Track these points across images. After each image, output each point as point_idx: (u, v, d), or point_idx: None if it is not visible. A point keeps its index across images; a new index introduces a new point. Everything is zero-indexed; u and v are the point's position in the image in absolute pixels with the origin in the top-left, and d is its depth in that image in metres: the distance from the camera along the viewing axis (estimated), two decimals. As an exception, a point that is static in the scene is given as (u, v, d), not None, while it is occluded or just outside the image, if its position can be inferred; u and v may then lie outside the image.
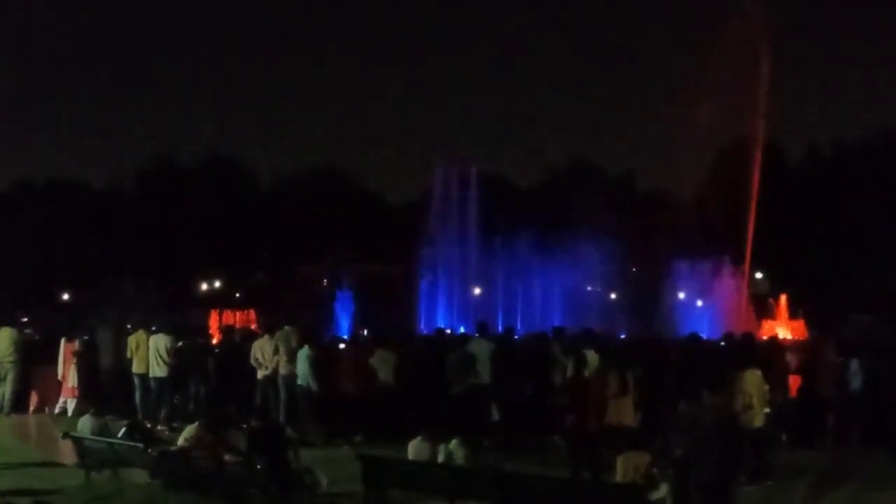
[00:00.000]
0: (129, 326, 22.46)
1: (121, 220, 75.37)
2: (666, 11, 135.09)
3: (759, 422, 14.23)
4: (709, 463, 10.85)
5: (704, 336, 23.21)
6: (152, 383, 19.91)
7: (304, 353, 18.19)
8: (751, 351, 16.40)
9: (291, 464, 12.66)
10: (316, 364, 17.96)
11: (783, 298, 39.04)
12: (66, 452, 15.22)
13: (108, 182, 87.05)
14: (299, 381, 18.13)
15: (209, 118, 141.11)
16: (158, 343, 19.89)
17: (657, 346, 18.65)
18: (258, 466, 12.34)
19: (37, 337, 24.65)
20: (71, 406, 21.10)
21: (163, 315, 31.45)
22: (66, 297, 72.92)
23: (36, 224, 70.02)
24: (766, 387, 14.48)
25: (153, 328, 20.76)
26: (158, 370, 19.82)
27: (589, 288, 47.32)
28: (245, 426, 15.44)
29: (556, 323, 28.77)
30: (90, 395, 20.07)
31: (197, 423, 13.93)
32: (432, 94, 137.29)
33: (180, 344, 20.22)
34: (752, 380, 14.26)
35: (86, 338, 21.82)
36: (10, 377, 21.23)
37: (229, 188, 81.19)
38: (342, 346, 20.78)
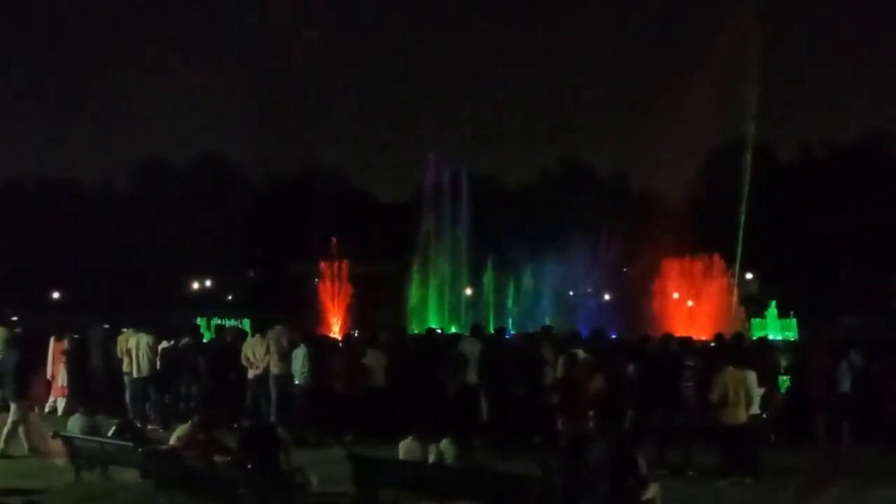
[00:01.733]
0: (124, 330, 22.42)
1: (112, 218, 75.19)
2: (658, 12, 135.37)
3: (740, 418, 14.29)
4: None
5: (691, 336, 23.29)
6: (137, 383, 19.87)
7: (301, 352, 18.19)
8: (738, 350, 16.47)
9: (282, 464, 12.65)
10: (313, 363, 17.98)
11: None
12: (57, 452, 15.19)
13: (100, 181, 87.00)
14: (297, 381, 18.15)
15: (201, 117, 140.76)
16: (140, 342, 19.85)
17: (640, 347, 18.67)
18: (249, 466, 12.33)
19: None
20: (61, 405, 21.07)
21: (152, 314, 31.40)
22: (56, 295, 72.78)
23: (27, 223, 69.84)
24: (757, 387, 14.54)
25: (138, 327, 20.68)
26: (137, 369, 19.77)
27: (581, 288, 47.36)
28: (237, 426, 15.42)
29: (548, 323, 28.75)
30: (80, 393, 20.04)
31: (190, 422, 13.91)
32: (424, 94, 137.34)
33: (171, 343, 20.18)
34: (736, 377, 14.33)
35: (76, 336, 21.77)
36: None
37: (221, 187, 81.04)
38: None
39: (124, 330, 20.75)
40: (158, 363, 19.78)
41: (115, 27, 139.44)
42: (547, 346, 17.65)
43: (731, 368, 14.49)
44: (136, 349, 19.74)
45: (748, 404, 14.42)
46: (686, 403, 16.39)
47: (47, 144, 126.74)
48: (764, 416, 15.11)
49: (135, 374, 19.74)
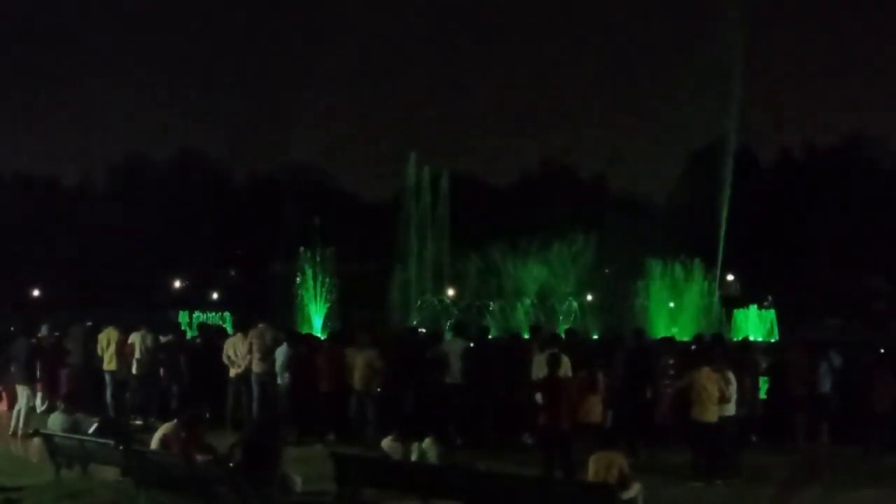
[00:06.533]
0: (89, 324, 22.38)
1: (91, 216, 74.77)
2: (642, 16, 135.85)
3: (711, 417, 14.33)
4: None
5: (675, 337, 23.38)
6: (134, 381, 19.79)
7: (282, 351, 18.14)
8: (718, 350, 16.56)
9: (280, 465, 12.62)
10: (294, 362, 17.93)
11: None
12: (36, 449, 15.12)
13: (79, 178, 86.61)
14: (279, 379, 18.10)
15: (182, 115, 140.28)
16: (146, 340, 19.78)
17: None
18: (231, 465, 12.27)
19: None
20: (38, 400, 20.99)
21: (132, 312, 31.24)
22: (35, 293, 72.37)
23: (5, 219, 69.40)
24: (730, 385, 14.54)
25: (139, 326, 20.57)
26: (138, 367, 19.71)
27: (562, 289, 47.37)
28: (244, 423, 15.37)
29: (529, 324, 28.80)
30: (57, 391, 20.02)
31: (175, 421, 13.84)
32: (406, 93, 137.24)
33: (168, 339, 20.12)
34: (713, 376, 14.39)
35: (56, 333, 21.68)
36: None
37: (202, 185, 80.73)
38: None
39: (105, 328, 20.64)
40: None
41: (96, 25, 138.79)
42: (536, 346, 17.59)
43: (706, 368, 14.53)
44: (138, 347, 19.67)
45: (724, 404, 14.46)
46: (663, 403, 16.52)
47: (26, 141, 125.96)
48: (731, 413, 15.13)
49: (135, 372, 19.67)
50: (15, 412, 18.82)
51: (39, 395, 21.00)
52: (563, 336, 18.92)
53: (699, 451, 14.53)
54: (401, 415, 16.66)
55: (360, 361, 17.43)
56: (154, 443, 13.39)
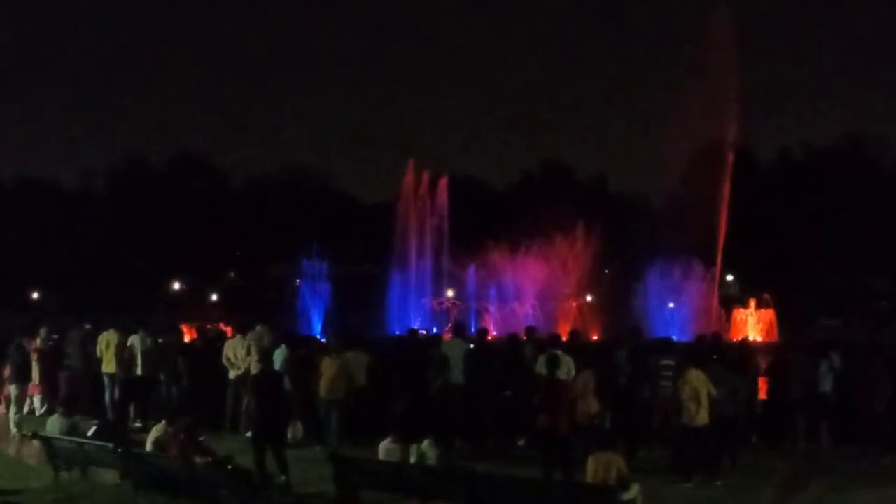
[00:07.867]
0: (87, 327, 22.36)
1: (91, 220, 74.73)
2: (640, 17, 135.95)
3: (701, 420, 14.28)
4: None
5: (675, 337, 23.39)
6: (134, 383, 19.77)
7: (280, 354, 18.11)
8: (715, 351, 16.53)
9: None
10: (291, 364, 17.88)
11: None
12: (35, 452, 15.11)
13: (79, 182, 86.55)
14: None
15: (181, 118, 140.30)
16: (145, 342, 19.76)
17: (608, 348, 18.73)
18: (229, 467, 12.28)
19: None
20: (37, 403, 21.00)
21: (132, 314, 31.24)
22: (35, 296, 72.33)
23: (5, 223, 69.33)
24: (713, 389, 14.48)
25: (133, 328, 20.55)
26: (142, 368, 19.71)
27: (562, 290, 47.35)
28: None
29: (529, 325, 28.73)
30: (56, 394, 20.02)
31: (164, 422, 13.82)
32: (406, 95, 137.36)
33: (161, 341, 20.13)
34: (700, 377, 14.34)
35: (54, 336, 21.68)
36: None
37: (201, 188, 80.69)
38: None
39: (104, 331, 20.62)
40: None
41: (96, 28, 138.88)
42: (529, 347, 17.62)
43: (695, 370, 14.45)
44: (138, 349, 19.63)
45: (710, 405, 14.38)
46: (662, 404, 16.48)
47: (27, 144, 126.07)
48: (733, 414, 15.08)
49: (139, 373, 19.64)
50: (10, 414, 18.81)
51: (38, 397, 21.04)
52: (563, 337, 18.92)
53: (687, 454, 14.47)
54: (393, 418, 16.65)
55: (329, 367, 17.31)
56: (148, 445, 13.39)
